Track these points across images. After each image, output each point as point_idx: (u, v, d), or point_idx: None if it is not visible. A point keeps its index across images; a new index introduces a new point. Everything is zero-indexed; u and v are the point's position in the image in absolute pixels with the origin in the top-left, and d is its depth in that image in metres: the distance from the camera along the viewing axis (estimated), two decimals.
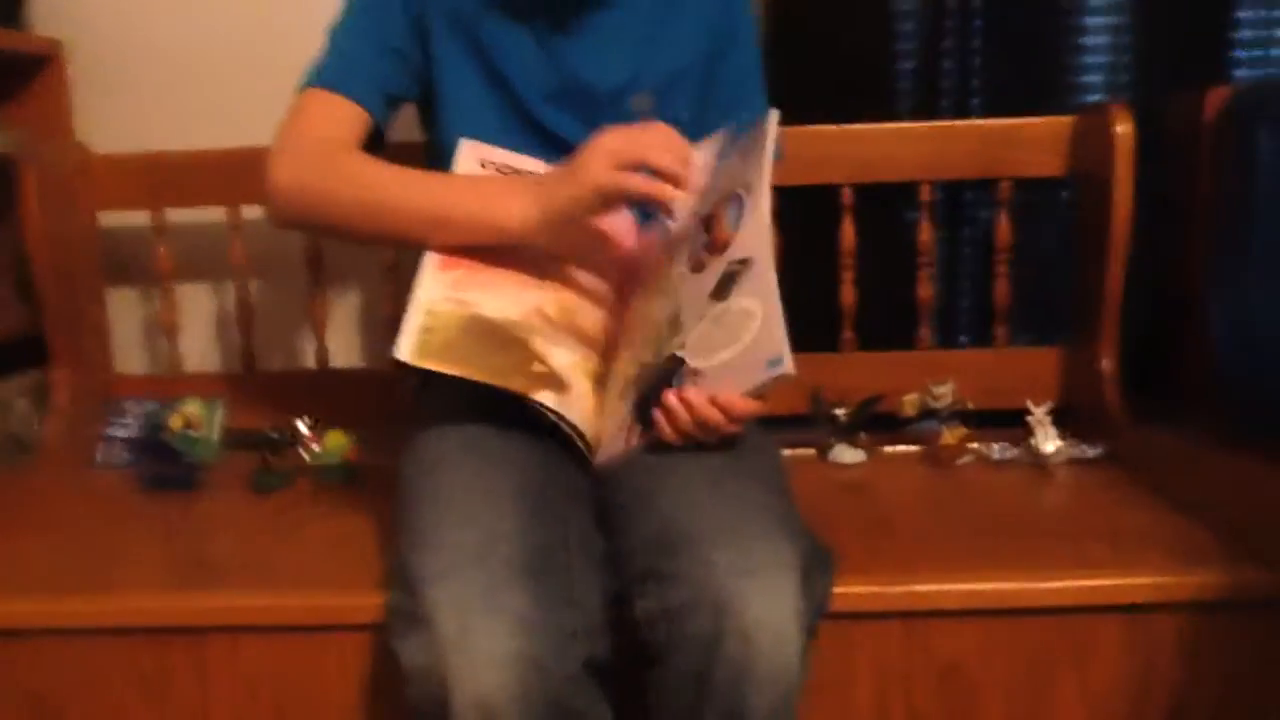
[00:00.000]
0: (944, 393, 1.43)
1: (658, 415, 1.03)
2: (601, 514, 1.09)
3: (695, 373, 1.02)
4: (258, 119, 1.46)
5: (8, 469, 1.50)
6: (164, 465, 1.39)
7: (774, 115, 1.07)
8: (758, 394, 1.00)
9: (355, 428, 1.44)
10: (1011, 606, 1.09)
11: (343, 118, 1.18)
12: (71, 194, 1.54)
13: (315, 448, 1.39)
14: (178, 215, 1.60)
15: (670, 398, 1.02)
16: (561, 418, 1.05)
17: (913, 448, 1.47)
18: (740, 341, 0.99)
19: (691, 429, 1.03)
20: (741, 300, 1.01)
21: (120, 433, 1.49)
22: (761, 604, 0.91)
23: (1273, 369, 1.26)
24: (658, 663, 0.95)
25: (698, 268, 1.07)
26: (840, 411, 1.44)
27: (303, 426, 1.41)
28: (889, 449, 1.48)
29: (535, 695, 0.88)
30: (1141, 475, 1.33)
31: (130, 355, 1.73)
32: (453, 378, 1.04)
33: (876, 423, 1.48)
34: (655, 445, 1.04)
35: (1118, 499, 1.28)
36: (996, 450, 1.41)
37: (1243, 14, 1.53)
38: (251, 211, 1.57)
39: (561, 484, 1.08)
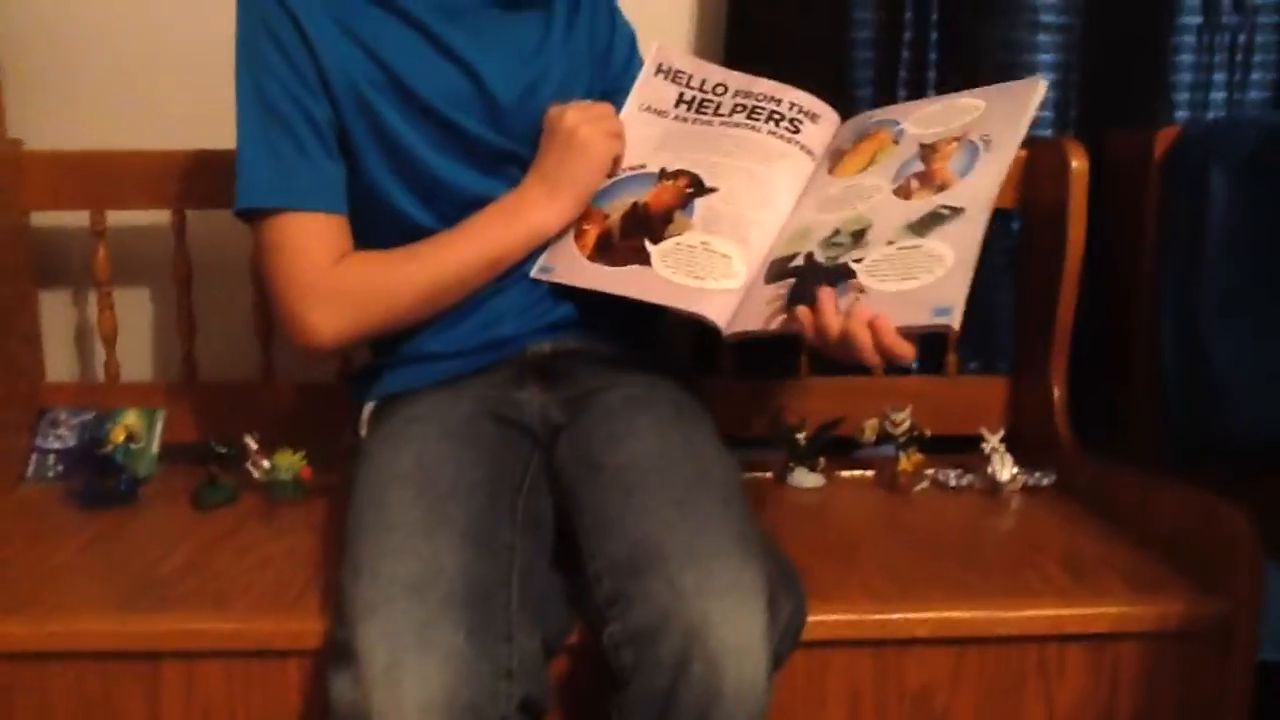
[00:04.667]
0: (902, 419, 1.44)
1: (803, 311, 1.02)
2: (565, 532, 1.08)
3: (860, 290, 1.01)
4: (201, 120, 1.43)
5: None
6: (101, 479, 1.32)
7: (1041, 85, 1.09)
8: (909, 335, 0.99)
9: (301, 444, 1.39)
10: (983, 635, 1.10)
11: (329, 235, 1.15)
12: (3, 191, 1.46)
13: (265, 464, 1.33)
14: (114, 217, 1.52)
15: (826, 298, 1.01)
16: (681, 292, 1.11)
17: (868, 473, 1.48)
18: (918, 280, 0.99)
19: (835, 337, 1.01)
20: (937, 243, 1.01)
21: (54, 444, 1.41)
22: (728, 626, 0.91)
23: (1223, 403, 1.31)
24: (623, 687, 0.94)
25: (904, 194, 1.08)
26: (800, 435, 1.44)
27: (251, 441, 1.35)
28: (845, 474, 1.48)
29: None
30: (1093, 504, 1.36)
31: (61, 363, 1.64)
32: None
33: (832, 447, 1.48)
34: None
35: (1072, 527, 1.30)
36: (953, 477, 1.42)
37: (1181, 58, 1.57)
38: (191, 216, 1.51)
39: (516, 509, 1.06)
